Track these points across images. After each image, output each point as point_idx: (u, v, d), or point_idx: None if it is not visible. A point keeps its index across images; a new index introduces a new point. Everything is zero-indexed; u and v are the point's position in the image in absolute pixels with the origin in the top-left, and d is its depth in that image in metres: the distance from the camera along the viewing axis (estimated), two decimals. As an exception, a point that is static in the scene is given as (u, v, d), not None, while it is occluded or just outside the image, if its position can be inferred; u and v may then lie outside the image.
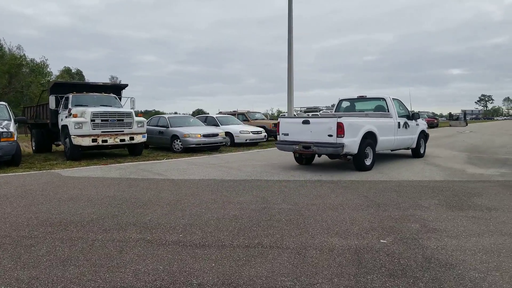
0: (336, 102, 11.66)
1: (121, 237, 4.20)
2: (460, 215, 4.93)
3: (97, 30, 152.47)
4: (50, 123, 13.37)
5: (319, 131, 8.63)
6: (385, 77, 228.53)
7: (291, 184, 7.29)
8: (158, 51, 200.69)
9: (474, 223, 4.57)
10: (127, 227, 4.57)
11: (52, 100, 12.47)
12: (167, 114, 22.00)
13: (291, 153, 10.15)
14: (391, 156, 11.78)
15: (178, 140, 14.13)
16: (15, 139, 10.29)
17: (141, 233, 4.33)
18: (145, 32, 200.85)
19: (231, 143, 16.54)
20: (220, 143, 14.83)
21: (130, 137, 12.15)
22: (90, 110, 11.71)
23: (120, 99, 14.44)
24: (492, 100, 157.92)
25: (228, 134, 16.36)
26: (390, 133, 9.94)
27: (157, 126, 15.73)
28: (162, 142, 15.24)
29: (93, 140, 11.46)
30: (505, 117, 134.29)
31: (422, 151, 11.64)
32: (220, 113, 23.28)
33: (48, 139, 14.64)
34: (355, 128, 8.65)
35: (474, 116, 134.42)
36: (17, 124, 12.24)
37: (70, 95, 12.74)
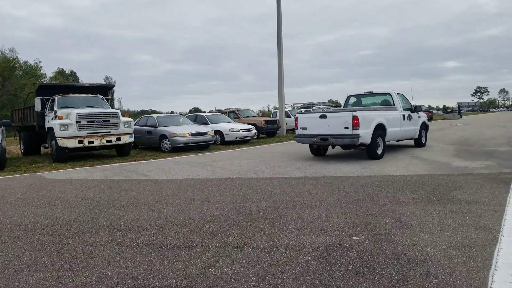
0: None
1: (92, 240, 4.14)
2: (437, 209, 4.89)
3: (90, 30, 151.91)
4: (37, 125, 13.25)
5: (336, 124, 9.44)
6: (382, 71, 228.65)
7: (274, 182, 7.24)
8: (152, 50, 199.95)
9: (450, 217, 4.54)
10: (100, 229, 4.51)
11: (37, 102, 12.39)
12: (162, 114, 21.90)
13: (279, 151, 10.39)
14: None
15: (167, 140, 14.06)
16: (0, 143, 10.19)
17: (113, 235, 4.27)
18: (139, 31, 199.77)
19: (221, 141, 16.48)
20: (209, 141, 14.77)
21: (117, 138, 12.05)
22: (75, 111, 11.61)
23: (107, 100, 14.34)
24: (488, 92, 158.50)
25: (218, 132, 16.28)
26: (397, 125, 10.77)
27: (145, 126, 15.63)
28: (151, 142, 15.16)
29: (79, 142, 11.36)
30: (501, 109, 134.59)
31: (423, 141, 12.53)
32: (212, 111, 23.21)
33: (37, 142, 14.51)
34: (368, 121, 9.47)
35: (470, 108, 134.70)
36: (3, 128, 12.12)
37: (56, 97, 12.63)
